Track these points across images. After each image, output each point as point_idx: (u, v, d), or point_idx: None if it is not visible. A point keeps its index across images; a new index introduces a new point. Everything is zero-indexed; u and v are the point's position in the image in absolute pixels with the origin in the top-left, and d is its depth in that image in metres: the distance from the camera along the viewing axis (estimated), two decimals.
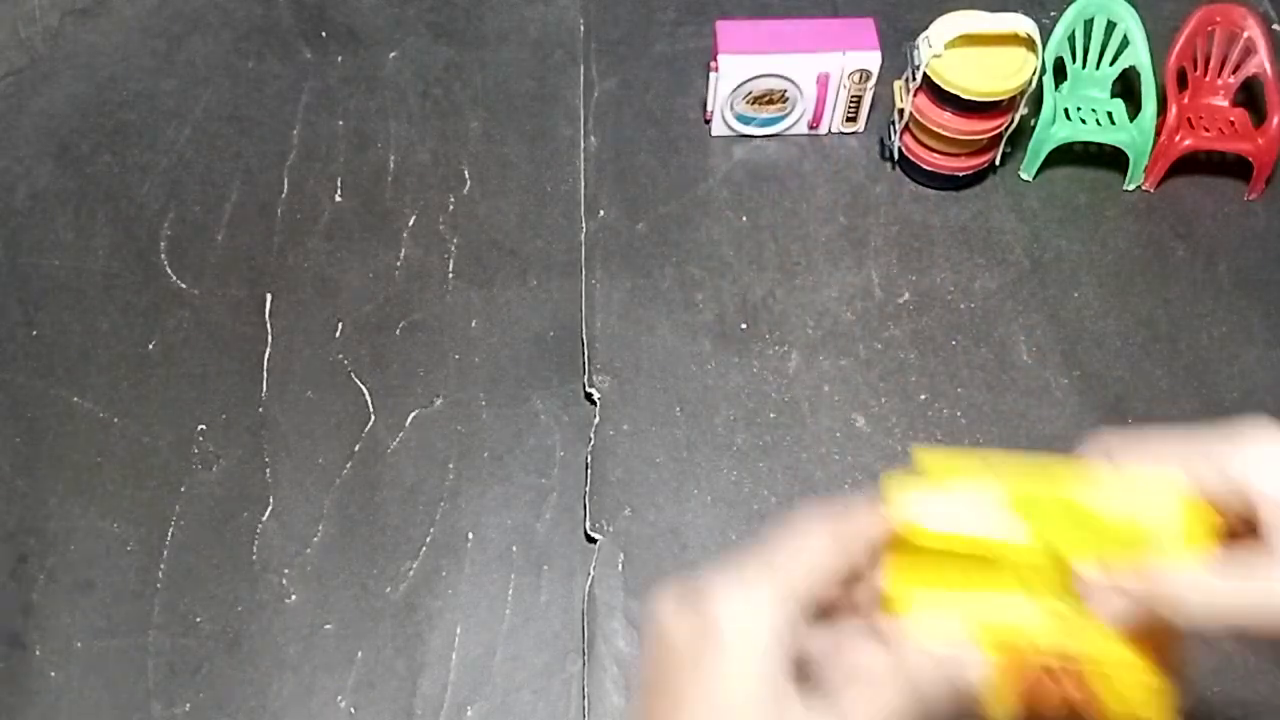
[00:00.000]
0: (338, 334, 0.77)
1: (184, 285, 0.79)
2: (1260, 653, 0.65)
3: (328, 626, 0.66)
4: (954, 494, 0.40)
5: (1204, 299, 0.79)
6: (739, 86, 0.82)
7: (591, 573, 0.68)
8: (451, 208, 0.83)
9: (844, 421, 0.74)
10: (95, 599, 0.67)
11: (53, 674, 0.64)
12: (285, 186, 0.84)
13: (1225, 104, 0.85)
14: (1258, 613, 0.37)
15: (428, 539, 0.69)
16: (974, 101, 0.77)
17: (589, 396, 0.74)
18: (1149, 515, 0.39)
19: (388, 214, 0.83)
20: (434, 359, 0.76)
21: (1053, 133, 0.82)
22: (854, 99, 0.84)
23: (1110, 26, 0.83)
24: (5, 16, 0.94)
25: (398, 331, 0.77)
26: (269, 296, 0.79)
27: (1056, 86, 0.85)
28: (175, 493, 0.71)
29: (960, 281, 0.80)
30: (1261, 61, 0.82)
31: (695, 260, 0.81)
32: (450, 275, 0.80)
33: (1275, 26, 0.93)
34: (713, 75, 0.82)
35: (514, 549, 0.69)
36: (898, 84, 0.83)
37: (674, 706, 0.37)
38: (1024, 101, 0.80)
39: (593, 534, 0.69)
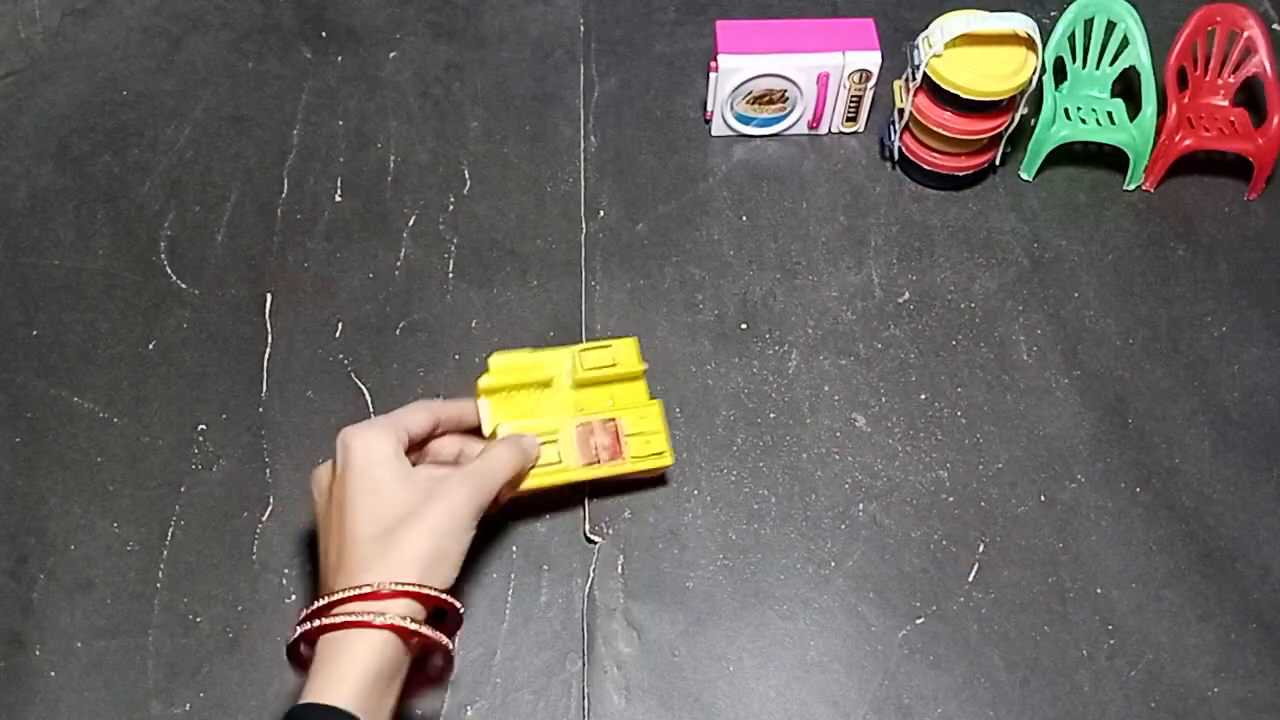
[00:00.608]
0: (338, 334, 0.77)
1: (184, 285, 0.79)
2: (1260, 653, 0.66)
3: None
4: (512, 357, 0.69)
5: (1204, 299, 0.79)
6: (739, 86, 0.82)
7: (591, 574, 0.68)
8: (451, 208, 0.83)
9: (844, 421, 0.74)
10: (95, 599, 0.67)
11: (53, 674, 0.64)
12: (285, 186, 0.84)
13: (1225, 104, 0.85)
14: None
15: None
16: (974, 101, 0.77)
17: None
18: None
19: (388, 214, 0.83)
20: (434, 359, 0.76)
21: (1053, 133, 0.82)
22: (854, 99, 0.84)
23: (1110, 26, 0.83)
24: (5, 16, 0.94)
25: (398, 331, 0.77)
26: (269, 296, 0.79)
27: (1056, 86, 0.85)
28: (175, 493, 0.71)
29: (960, 281, 0.80)
30: (1261, 61, 0.82)
31: (695, 260, 0.81)
32: (450, 275, 0.80)
33: (1275, 26, 0.93)
34: (713, 75, 0.82)
35: (514, 550, 0.69)
36: (898, 84, 0.83)
37: (339, 507, 0.57)
38: (1024, 101, 0.80)
39: (592, 535, 0.69)
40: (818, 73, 0.81)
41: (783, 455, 0.73)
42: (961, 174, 0.83)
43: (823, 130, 0.87)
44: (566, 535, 0.69)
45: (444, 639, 0.56)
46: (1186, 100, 0.84)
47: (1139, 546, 0.69)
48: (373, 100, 0.89)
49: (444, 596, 0.56)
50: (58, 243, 0.81)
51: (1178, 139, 0.81)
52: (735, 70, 0.81)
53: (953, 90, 0.77)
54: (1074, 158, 0.86)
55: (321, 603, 0.54)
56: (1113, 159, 0.85)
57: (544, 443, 0.66)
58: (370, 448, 0.58)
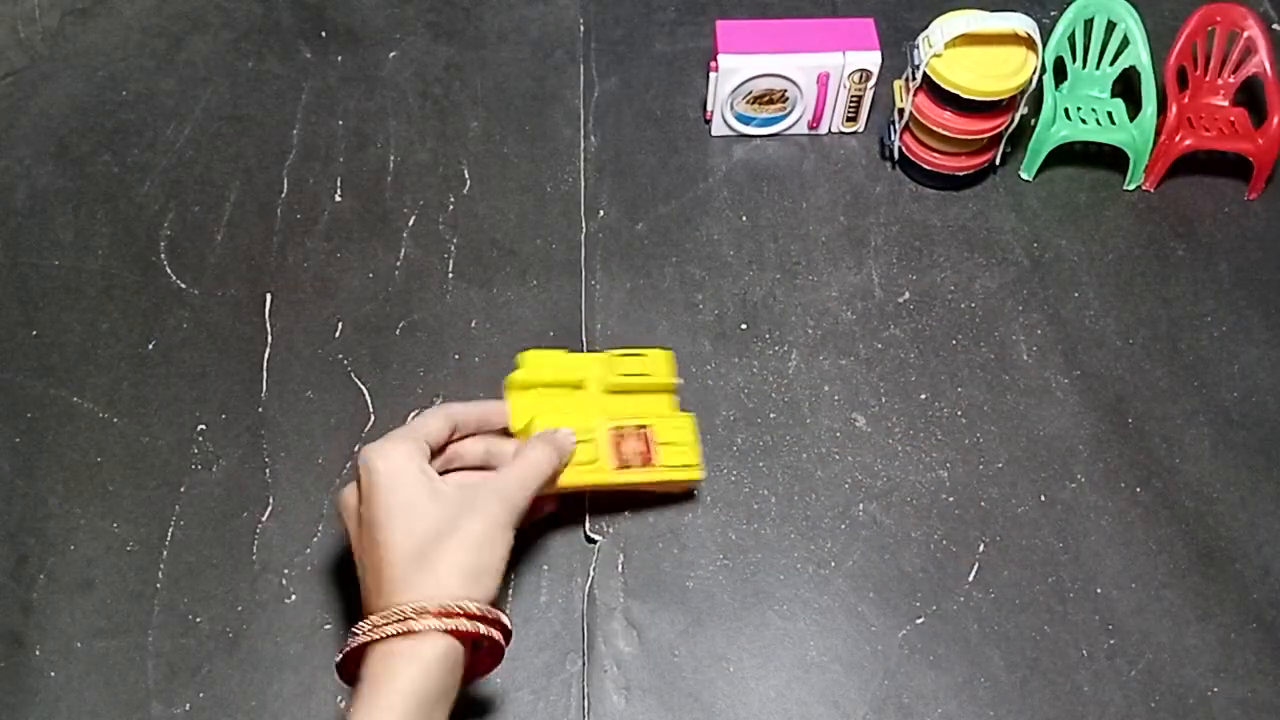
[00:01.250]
0: (338, 334, 0.77)
1: (184, 285, 0.79)
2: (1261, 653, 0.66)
3: (328, 626, 0.66)
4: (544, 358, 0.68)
5: (1204, 299, 0.79)
6: (739, 86, 0.82)
7: (591, 573, 0.68)
8: (451, 208, 0.83)
9: (844, 421, 0.74)
10: (95, 599, 0.67)
11: (53, 674, 0.64)
12: (285, 186, 0.84)
13: (1225, 104, 0.85)
14: None
15: None
16: (974, 101, 0.77)
17: None
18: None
19: (388, 214, 0.83)
20: (434, 359, 0.76)
21: (1053, 133, 0.82)
22: (854, 99, 0.84)
23: (1110, 26, 0.83)
24: (5, 16, 0.94)
25: (398, 331, 0.77)
26: (269, 296, 0.79)
27: (1056, 86, 0.85)
28: (175, 493, 0.71)
29: (960, 281, 0.80)
30: (1261, 61, 0.82)
31: (695, 260, 0.81)
32: (450, 275, 0.80)
33: (1275, 26, 0.93)
34: (713, 75, 0.82)
35: (514, 549, 0.69)
36: (898, 84, 0.83)
37: (371, 529, 0.56)
38: (1024, 101, 0.80)
39: (592, 535, 0.69)
40: (818, 73, 0.81)
41: (783, 455, 0.73)
42: (961, 174, 0.83)
43: (823, 130, 0.87)
44: (566, 534, 0.69)
45: (503, 628, 0.55)
46: (1186, 100, 0.84)
47: (1139, 546, 0.69)
48: (373, 100, 0.89)
49: (487, 612, 0.54)
50: (58, 243, 0.81)
51: (1178, 139, 0.81)
52: (735, 70, 0.81)
53: (953, 90, 0.77)
54: (1074, 158, 0.86)
55: (366, 624, 0.53)
56: (1113, 159, 0.85)
57: (580, 441, 0.64)
58: (394, 465, 0.56)
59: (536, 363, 0.67)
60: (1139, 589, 0.68)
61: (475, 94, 0.90)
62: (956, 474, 0.72)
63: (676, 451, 0.67)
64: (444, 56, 0.92)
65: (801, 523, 0.70)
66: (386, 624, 0.52)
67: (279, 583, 0.68)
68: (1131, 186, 0.85)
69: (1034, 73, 0.77)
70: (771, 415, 0.74)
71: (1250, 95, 0.84)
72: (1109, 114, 0.84)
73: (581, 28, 0.94)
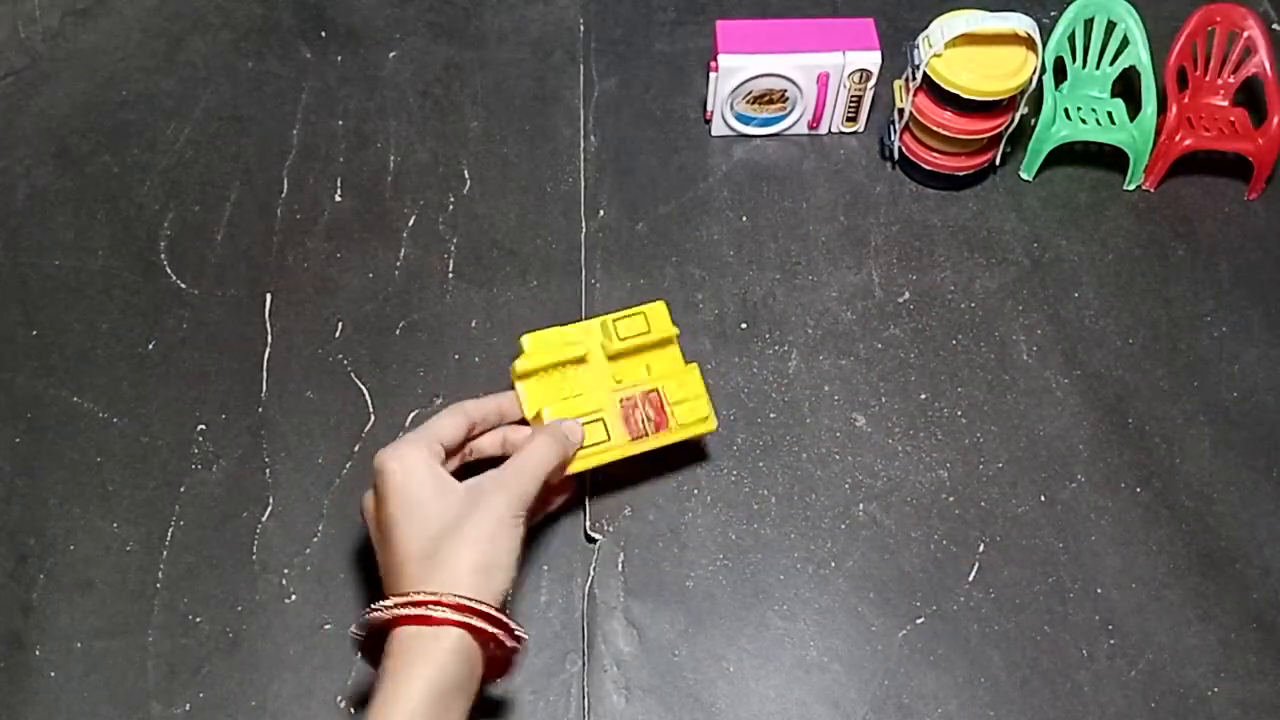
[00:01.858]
0: (338, 334, 0.77)
1: (184, 285, 0.79)
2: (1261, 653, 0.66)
3: (328, 626, 0.66)
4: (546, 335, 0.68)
5: (1204, 299, 0.79)
6: (739, 86, 0.82)
7: (591, 573, 0.68)
8: (451, 208, 0.83)
9: (844, 421, 0.74)
10: (95, 599, 0.67)
11: (53, 674, 0.64)
12: (285, 186, 0.84)
13: (1225, 104, 0.85)
14: None
15: None
16: (974, 101, 0.77)
17: None
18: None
19: (388, 214, 0.83)
20: (434, 359, 0.76)
21: (1053, 132, 0.82)
22: (854, 99, 0.84)
23: (1110, 26, 0.83)
24: (5, 16, 0.94)
25: (398, 331, 0.77)
26: (269, 296, 0.79)
27: (1056, 86, 0.85)
28: (175, 493, 0.71)
29: (960, 281, 0.80)
30: (1261, 61, 0.82)
31: (695, 260, 0.81)
32: (450, 275, 0.80)
33: (1275, 26, 0.93)
34: (713, 75, 0.82)
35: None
36: (898, 84, 0.83)
37: (385, 530, 0.57)
38: (1024, 101, 0.80)
39: (593, 534, 0.69)
40: (818, 73, 0.81)
41: (783, 455, 0.73)
42: (961, 174, 0.83)
43: (823, 130, 0.87)
44: (567, 534, 0.69)
45: (511, 633, 0.55)
46: (1186, 100, 0.84)
47: (1139, 546, 0.69)
48: (373, 100, 0.89)
49: (495, 613, 0.54)
50: (58, 243, 0.81)
51: (1178, 139, 0.81)
52: (735, 70, 0.81)
53: (953, 90, 0.77)
54: (1074, 158, 0.86)
55: (383, 603, 0.54)
56: (1113, 159, 0.85)
57: (587, 423, 0.65)
58: (404, 466, 0.57)
59: (537, 346, 0.67)
60: (1139, 589, 0.68)
61: (475, 94, 0.90)
62: (956, 474, 0.72)
63: (689, 408, 0.67)
64: (444, 56, 0.92)
65: (801, 523, 0.70)
66: (401, 605, 0.53)
67: (279, 583, 0.68)
68: (1131, 186, 0.85)
69: (1034, 73, 0.77)
70: (771, 415, 0.74)
71: (1250, 95, 0.85)
72: (1109, 114, 0.84)
73: (581, 28, 0.94)
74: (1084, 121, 0.83)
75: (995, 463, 0.72)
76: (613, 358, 0.68)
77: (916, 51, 0.78)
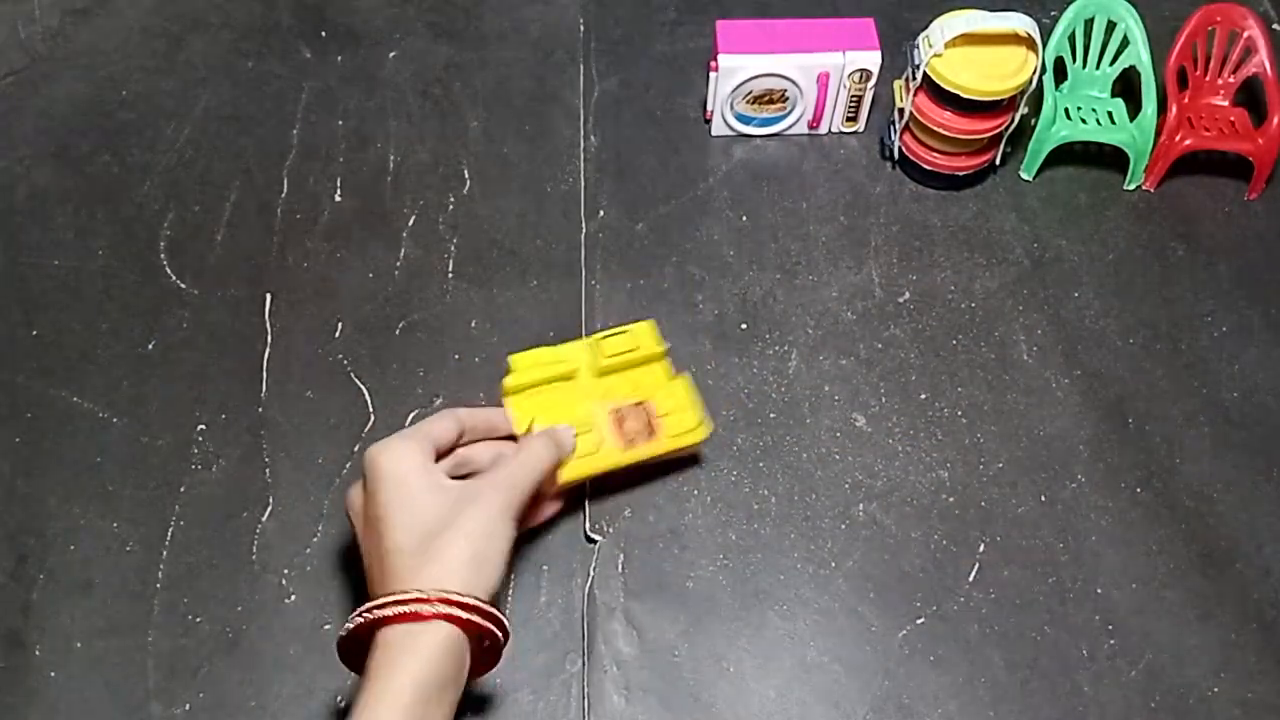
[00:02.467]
0: (338, 334, 0.77)
1: (184, 285, 0.79)
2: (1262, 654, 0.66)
3: (328, 626, 0.66)
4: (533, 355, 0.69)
5: (1204, 299, 0.79)
6: (739, 86, 0.82)
7: (591, 573, 0.68)
8: (451, 208, 0.83)
9: (844, 421, 0.74)
10: (95, 599, 0.67)
11: (53, 674, 0.64)
12: (285, 186, 0.84)
13: (1225, 104, 0.85)
14: None
15: None
16: (974, 101, 0.77)
17: None
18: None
19: (388, 214, 0.83)
20: (434, 359, 0.76)
21: (1053, 133, 0.82)
22: (854, 99, 0.84)
23: (1110, 26, 0.83)
24: (5, 16, 0.94)
25: (398, 331, 0.77)
26: (269, 296, 0.79)
27: (1056, 86, 0.85)
28: (175, 493, 0.71)
29: (960, 281, 0.80)
30: (1262, 61, 0.82)
31: (695, 260, 0.81)
32: (450, 275, 0.80)
33: (1275, 26, 0.93)
34: (713, 75, 0.82)
35: (514, 549, 0.69)
36: (898, 84, 0.83)
37: (374, 524, 0.57)
38: (1024, 101, 0.80)
39: (592, 535, 0.69)
40: (818, 73, 0.81)
41: (783, 455, 0.73)
42: (961, 174, 0.83)
43: (823, 130, 0.87)
44: (566, 534, 0.69)
45: (497, 627, 0.55)
46: (1186, 100, 0.84)
47: (1139, 546, 0.69)
48: (373, 100, 0.89)
49: (485, 607, 0.54)
50: (58, 243, 0.81)
51: (1178, 139, 0.81)
52: (735, 70, 0.81)
53: (953, 90, 0.77)
54: (1074, 158, 0.86)
55: (365, 606, 0.54)
56: (1113, 159, 0.85)
57: (579, 433, 0.66)
58: (397, 461, 0.57)
59: (525, 364, 0.67)
60: (1139, 589, 0.68)
61: (475, 94, 0.90)
62: (956, 474, 0.72)
63: (678, 419, 0.68)
64: (444, 56, 0.92)
65: (801, 523, 0.70)
66: (385, 606, 0.53)
67: (279, 583, 0.68)
68: (1131, 186, 0.85)
69: (1034, 73, 0.77)
70: (771, 415, 0.74)
71: (1250, 95, 0.84)
72: (1109, 114, 0.84)
73: (581, 28, 0.94)
74: (1084, 121, 0.83)
75: (995, 463, 0.72)
76: (601, 374, 0.69)
77: (916, 51, 0.78)
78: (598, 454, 0.66)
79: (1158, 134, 0.82)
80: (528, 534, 0.69)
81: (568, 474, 0.65)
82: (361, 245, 0.81)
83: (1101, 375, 0.76)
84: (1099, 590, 0.68)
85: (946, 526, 0.70)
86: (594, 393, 0.68)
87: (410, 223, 0.83)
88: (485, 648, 0.56)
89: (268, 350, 0.76)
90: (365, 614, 0.53)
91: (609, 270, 0.80)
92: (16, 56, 0.92)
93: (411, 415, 0.74)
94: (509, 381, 0.66)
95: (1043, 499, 0.71)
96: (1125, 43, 0.83)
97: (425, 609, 0.52)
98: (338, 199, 0.84)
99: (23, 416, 0.73)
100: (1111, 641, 0.66)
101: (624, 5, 0.95)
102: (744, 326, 0.78)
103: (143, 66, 0.91)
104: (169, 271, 0.80)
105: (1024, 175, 0.85)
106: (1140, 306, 0.79)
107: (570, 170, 0.85)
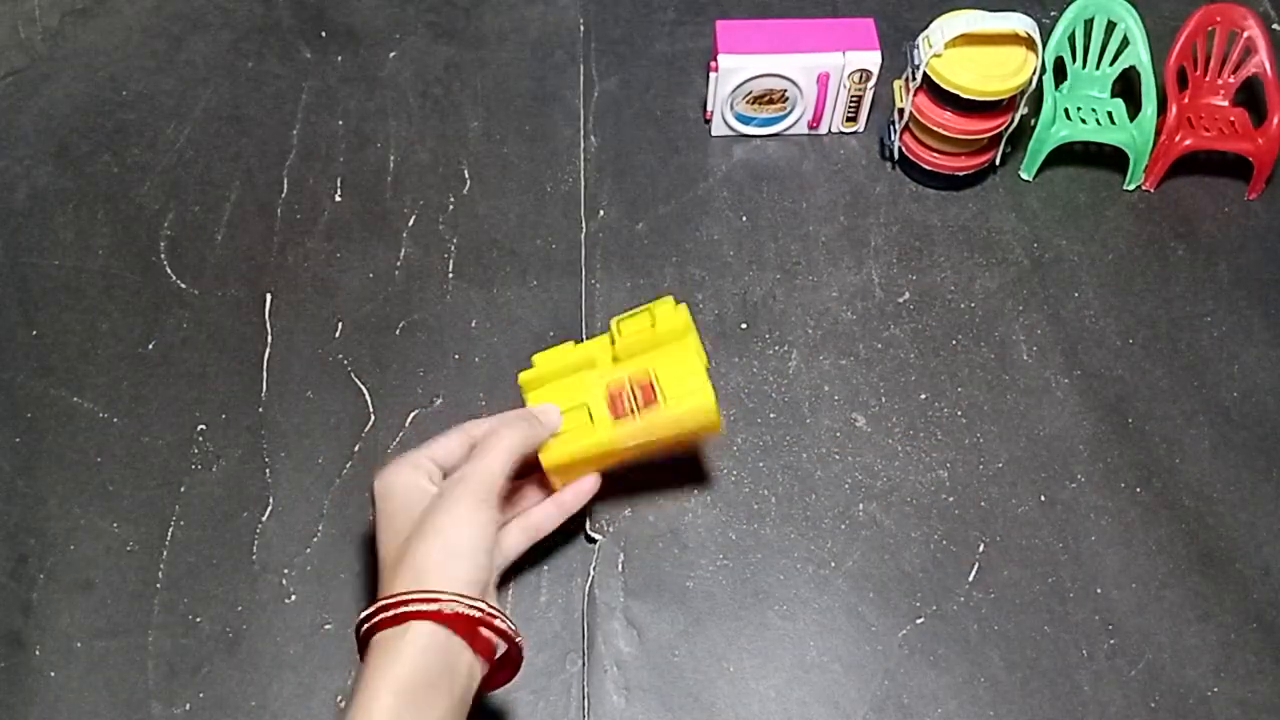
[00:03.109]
0: (338, 334, 0.77)
1: (184, 285, 0.79)
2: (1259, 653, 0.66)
3: (328, 626, 0.66)
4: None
5: (1204, 299, 0.80)
6: (739, 86, 0.82)
7: (591, 573, 0.68)
8: (451, 208, 0.84)
9: (844, 421, 0.74)
10: (95, 599, 0.67)
11: (53, 674, 0.64)
12: (285, 186, 0.84)
13: (1225, 104, 0.85)
14: None
15: None
16: (974, 101, 0.77)
17: None
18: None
19: (388, 214, 0.83)
20: (434, 359, 0.76)
21: (1053, 133, 0.82)
22: (854, 99, 0.84)
23: (1110, 26, 0.83)
24: (5, 16, 0.94)
25: (398, 331, 0.77)
26: (269, 296, 0.79)
27: (1056, 86, 0.85)
28: (175, 493, 0.71)
29: (960, 281, 0.80)
30: (1262, 61, 0.82)
31: (695, 260, 0.81)
32: (450, 275, 0.80)
33: (1275, 26, 0.93)
34: (713, 75, 0.82)
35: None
36: (898, 84, 0.83)
37: (376, 544, 0.58)
38: (1024, 101, 0.80)
39: (593, 534, 0.69)
40: (818, 73, 0.81)
41: (783, 455, 0.73)
42: (961, 174, 0.83)
43: (823, 130, 0.87)
44: (566, 534, 0.69)
45: (492, 619, 0.54)
46: (1186, 100, 0.84)
47: (1139, 546, 0.69)
48: (373, 100, 0.89)
49: (466, 598, 0.54)
50: (58, 243, 0.81)
51: (1178, 139, 0.81)
52: (735, 70, 0.81)
53: (953, 90, 0.77)
54: (1074, 158, 0.86)
55: (363, 614, 0.54)
56: (1113, 159, 0.85)
57: (570, 409, 0.62)
58: (388, 481, 0.59)
59: (546, 360, 0.66)
60: (1139, 589, 0.68)
61: (475, 94, 0.90)
62: (956, 474, 0.72)
63: (681, 384, 0.62)
64: (444, 56, 0.92)
65: (801, 523, 0.70)
66: (367, 619, 0.54)
67: (279, 583, 0.68)
68: (1131, 186, 0.85)
69: (1034, 73, 0.77)
70: (771, 415, 0.74)
71: (1250, 95, 0.85)
72: (1109, 114, 0.84)
73: (581, 28, 0.94)
74: (1084, 121, 0.83)
75: (995, 463, 0.72)
76: (620, 359, 0.65)
77: (916, 51, 0.78)
78: (587, 429, 0.62)
79: (1158, 134, 0.82)
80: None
81: (556, 454, 0.62)
82: (361, 245, 0.81)
83: (1101, 375, 0.76)
84: (1099, 590, 0.68)
85: (946, 526, 0.70)
86: (608, 377, 0.65)
87: (410, 223, 0.83)
88: (491, 647, 0.55)
89: (268, 350, 0.77)
90: (356, 630, 0.55)
91: (609, 270, 0.80)
92: (16, 56, 0.92)
93: (411, 415, 0.74)
94: (525, 376, 0.66)
95: (1042, 499, 0.71)
96: (1125, 43, 0.83)
97: (400, 610, 0.53)
98: (338, 199, 0.84)
99: (23, 416, 0.73)
100: (1111, 641, 0.66)
101: (624, 5, 0.95)
102: (744, 326, 0.78)
103: (143, 66, 0.91)
104: (169, 271, 0.80)
105: (1024, 175, 0.85)
106: (1140, 306, 0.79)
107: (570, 170, 0.85)
